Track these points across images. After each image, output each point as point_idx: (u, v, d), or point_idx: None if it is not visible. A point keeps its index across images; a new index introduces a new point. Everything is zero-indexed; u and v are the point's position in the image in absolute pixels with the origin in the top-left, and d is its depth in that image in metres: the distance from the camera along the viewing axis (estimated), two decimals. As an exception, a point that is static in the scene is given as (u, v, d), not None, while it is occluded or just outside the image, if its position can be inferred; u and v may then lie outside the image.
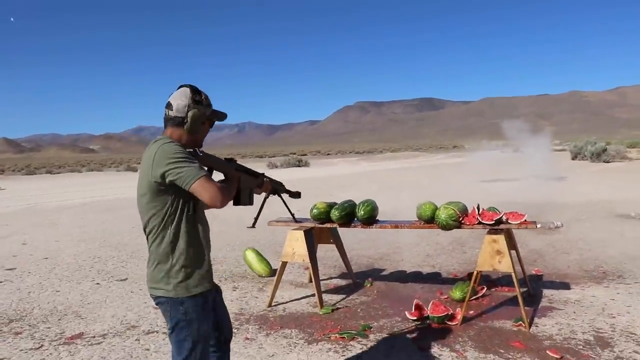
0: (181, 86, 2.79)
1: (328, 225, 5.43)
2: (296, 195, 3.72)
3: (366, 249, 8.14)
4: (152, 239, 2.67)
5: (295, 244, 5.30)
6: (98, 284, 6.69)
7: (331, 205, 5.39)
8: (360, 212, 5.20)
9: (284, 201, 3.67)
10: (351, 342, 4.42)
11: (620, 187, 15.23)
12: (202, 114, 2.75)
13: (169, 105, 2.73)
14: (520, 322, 4.65)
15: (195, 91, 2.75)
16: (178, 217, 2.63)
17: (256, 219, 3.60)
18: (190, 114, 2.70)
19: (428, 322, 4.77)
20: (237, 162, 3.02)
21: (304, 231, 5.31)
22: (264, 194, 3.35)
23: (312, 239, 5.46)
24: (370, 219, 5.25)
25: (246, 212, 4.30)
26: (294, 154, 71.81)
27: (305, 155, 67.08)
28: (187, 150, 2.70)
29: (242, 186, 2.98)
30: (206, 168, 2.75)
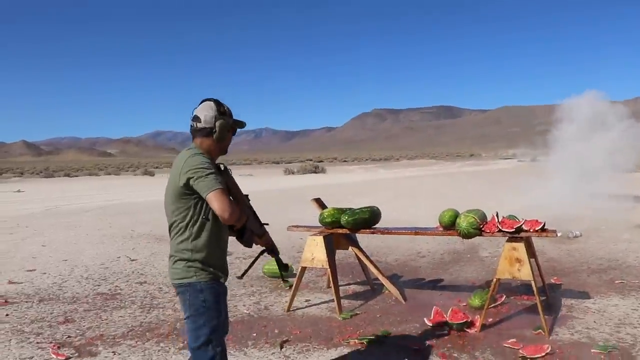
0: (204, 100, 3.08)
1: (340, 230, 5.47)
2: (284, 267, 3.52)
3: (384, 256, 8.14)
4: (176, 235, 2.95)
5: (314, 250, 5.33)
6: (117, 286, 6.76)
7: (341, 211, 5.45)
8: (345, 218, 5.30)
9: (277, 261, 3.45)
10: (371, 348, 4.42)
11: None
12: (227, 123, 3.04)
13: (196, 118, 3.01)
14: (540, 330, 4.63)
15: (218, 103, 3.05)
16: (199, 219, 2.91)
17: (246, 271, 3.61)
18: (217, 123, 2.99)
19: (447, 328, 4.76)
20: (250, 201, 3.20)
21: (324, 237, 5.33)
22: (261, 248, 3.33)
23: (332, 244, 5.48)
24: (358, 225, 5.31)
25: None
26: (311, 160, 71.96)
27: (321, 161, 67.11)
28: (213, 162, 3.00)
29: (247, 226, 3.09)
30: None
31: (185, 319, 2.99)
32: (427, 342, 4.50)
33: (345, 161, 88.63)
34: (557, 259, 7.56)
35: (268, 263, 6.97)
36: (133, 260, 8.36)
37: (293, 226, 5.71)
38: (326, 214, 5.42)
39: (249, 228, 3.12)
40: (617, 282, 6.31)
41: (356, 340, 4.55)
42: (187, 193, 2.87)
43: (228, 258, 3.18)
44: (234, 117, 3.13)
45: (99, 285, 6.80)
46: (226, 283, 3.07)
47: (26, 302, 6.12)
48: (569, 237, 8.97)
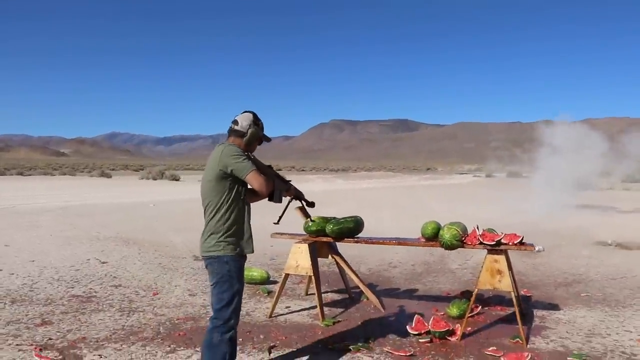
0: (246, 111, 3.80)
1: (324, 239, 5.58)
2: (312, 204, 4.61)
3: (357, 265, 8.23)
4: (210, 215, 3.62)
5: (299, 257, 5.40)
6: (92, 289, 6.67)
7: (326, 220, 5.56)
8: (330, 227, 5.46)
9: (303, 205, 4.57)
10: (357, 354, 4.52)
11: (594, 215, 15.63)
12: (257, 134, 3.78)
13: (235, 122, 3.75)
14: (518, 339, 4.82)
15: (256, 117, 3.79)
16: (231, 200, 3.59)
17: (280, 217, 4.35)
18: (250, 131, 3.72)
19: (429, 336, 4.89)
20: (273, 168, 4.04)
21: (309, 244, 5.42)
22: (288, 198, 4.29)
23: (315, 252, 5.57)
24: (343, 234, 5.50)
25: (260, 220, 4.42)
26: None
27: (280, 170, 66.98)
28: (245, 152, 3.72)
29: (276, 187, 3.86)
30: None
31: (211, 285, 3.64)
32: (412, 350, 4.63)
33: (303, 170, 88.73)
34: (524, 272, 7.83)
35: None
36: (103, 262, 8.23)
37: (277, 233, 5.77)
38: (312, 222, 5.50)
39: (277, 189, 3.89)
40: (582, 295, 6.60)
41: (342, 345, 4.64)
42: (224, 177, 3.55)
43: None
44: (264, 132, 3.86)
45: (72, 288, 6.69)
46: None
47: (-1, 302, 5.99)
48: (533, 252, 9.29)
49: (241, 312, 5.61)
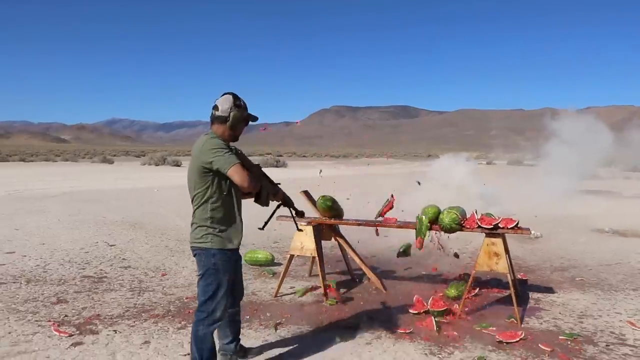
0: (225, 93, 3.61)
1: (328, 221, 5.82)
2: (301, 213, 4.21)
3: (358, 248, 8.46)
4: (196, 207, 3.55)
5: (304, 239, 5.62)
6: (102, 270, 6.90)
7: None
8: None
9: (291, 213, 4.13)
10: (361, 333, 4.74)
11: (593, 203, 15.83)
12: (241, 115, 3.60)
13: (215, 107, 3.58)
14: (513, 319, 5.05)
15: (236, 97, 3.60)
16: (216, 193, 3.49)
17: (266, 223, 4.00)
18: (232, 114, 3.56)
19: (429, 315, 5.12)
20: (261, 167, 3.83)
21: (313, 226, 5.63)
22: (276, 203, 3.98)
23: (319, 234, 5.79)
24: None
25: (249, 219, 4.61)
26: (270, 154, 71.84)
27: (280, 156, 67.11)
28: (228, 144, 3.56)
29: (263, 187, 3.71)
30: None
31: (198, 276, 3.61)
32: (411, 328, 4.85)
33: (304, 156, 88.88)
34: (522, 257, 8.05)
35: (249, 252, 7.24)
36: (112, 245, 8.46)
37: (282, 216, 5.97)
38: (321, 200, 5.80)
39: (265, 190, 3.72)
40: (577, 279, 6.82)
41: (346, 323, 4.86)
42: (206, 171, 3.43)
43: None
44: (248, 111, 3.67)
45: (83, 269, 6.92)
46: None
47: (13, 282, 6.21)
48: (531, 237, 9.52)
49: (247, 292, 5.92)
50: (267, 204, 3.81)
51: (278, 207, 4.03)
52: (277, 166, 41.75)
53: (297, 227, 4.56)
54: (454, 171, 13.21)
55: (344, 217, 6.15)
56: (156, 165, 40.89)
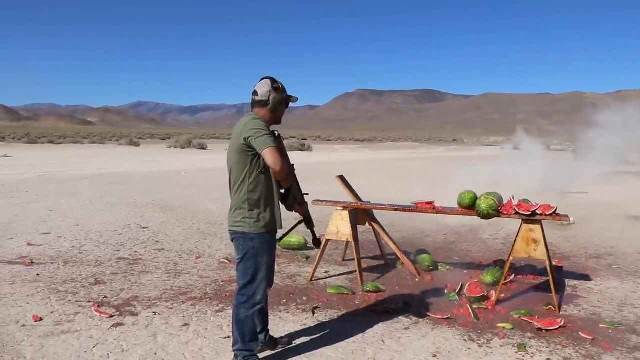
0: (263, 78, 3.62)
1: (364, 206, 5.79)
2: (317, 242, 4.02)
3: (390, 233, 8.45)
4: (235, 188, 3.54)
5: (340, 223, 5.61)
6: (137, 252, 6.98)
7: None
8: None
9: (312, 233, 4.01)
10: (397, 316, 4.73)
11: (629, 189, 15.56)
12: (281, 97, 3.60)
13: (255, 93, 3.59)
14: (551, 306, 4.99)
15: (273, 80, 3.61)
16: (254, 174, 3.48)
17: (284, 236, 4.02)
18: (271, 97, 3.56)
19: (464, 301, 5.08)
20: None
21: (349, 211, 5.62)
22: (299, 218, 3.93)
23: (355, 219, 5.77)
24: None
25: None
26: (294, 137, 71.87)
27: (305, 139, 67.13)
28: (269, 127, 3.52)
29: (293, 188, 3.68)
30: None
31: (237, 260, 3.61)
32: (448, 313, 4.83)
33: (328, 140, 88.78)
34: (555, 244, 7.94)
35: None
36: (144, 227, 8.56)
37: (318, 200, 5.97)
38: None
39: (293, 193, 3.69)
40: (614, 267, 6.71)
41: (383, 308, 4.86)
42: (246, 150, 3.42)
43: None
44: (288, 93, 3.68)
45: (118, 251, 7.01)
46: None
47: (51, 263, 6.32)
48: (563, 224, 9.39)
49: (283, 276, 5.94)
50: (291, 209, 3.75)
51: (299, 222, 3.98)
52: (302, 150, 41.74)
53: (315, 243, 4.06)
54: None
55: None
56: (182, 149, 41.25)
